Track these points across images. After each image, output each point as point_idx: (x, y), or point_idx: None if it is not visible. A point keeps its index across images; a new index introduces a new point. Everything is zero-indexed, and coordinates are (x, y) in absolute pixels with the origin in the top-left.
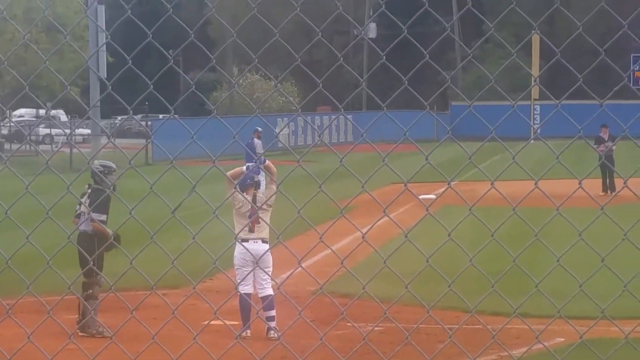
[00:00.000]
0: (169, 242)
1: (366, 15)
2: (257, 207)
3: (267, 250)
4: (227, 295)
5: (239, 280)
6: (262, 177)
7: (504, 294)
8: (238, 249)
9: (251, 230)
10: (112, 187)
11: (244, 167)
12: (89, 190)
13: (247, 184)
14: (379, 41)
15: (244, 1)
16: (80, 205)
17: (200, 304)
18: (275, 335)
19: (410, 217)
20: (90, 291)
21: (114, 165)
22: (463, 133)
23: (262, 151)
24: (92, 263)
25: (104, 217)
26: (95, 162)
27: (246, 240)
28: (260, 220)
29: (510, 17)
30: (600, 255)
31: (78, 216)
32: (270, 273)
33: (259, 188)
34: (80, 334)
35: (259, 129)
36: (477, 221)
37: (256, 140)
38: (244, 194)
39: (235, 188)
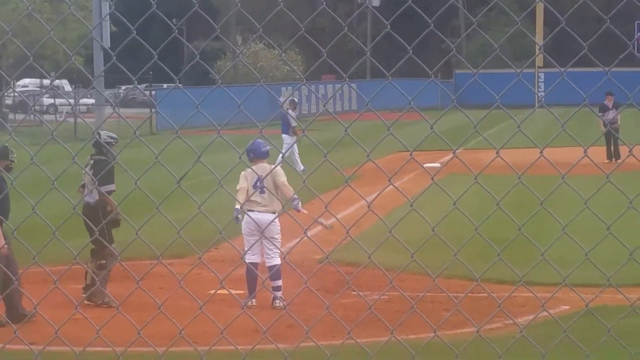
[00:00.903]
0: (173, 212)
1: None
2: (262, 177)
3: (272, 220)
4: (232, 265)
5: (246, 250)
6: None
7: (509, 263)
8: (246, 217)
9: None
10: (114, 157)
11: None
12: (92, 162)
13: (262, 151)
14: (383, 9)
15: None
16: (85, 175)
17: (205, 273)
18: (281, 304)
19: (415, 186)
20: (104, 261)
21: (115, 136)
22: (467, 101)
23: (295, 124)
24: (100, 234)
25: (113, 187)
26: (102, 132)
27: (252, 210)
28: (266, 190)
29: None
30: (606, 223)
31: (83, 186)
32: (278, 243)
33: (267, 158)
34: (86, 302)
35: (295, 100)
36: (481, 189)
37: (290, 112)
38: (254, 163)
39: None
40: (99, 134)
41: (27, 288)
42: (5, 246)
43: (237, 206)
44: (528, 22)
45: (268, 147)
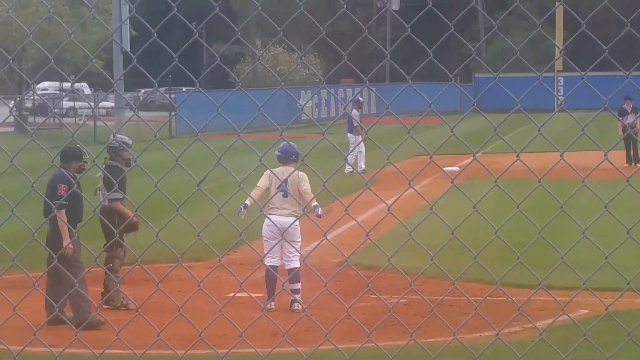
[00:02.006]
0: (192, 215)
1: None
2: (282, 180)
3: (292, 223)
4: (250, 268)
5: (266, 252)
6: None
7: (528, 266)
8: (266, 220)
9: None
10: (126, 163)
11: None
12: (104, 166)
13: (293, 159)
14: (402, 12)
15: None
16: (99, 179)
17: (224, 276)
18: (300, 307)
19: (434, 189)
20: (111, 265)
21: (130, 141)
22: (485, 105)
23: (356, 124)
24: (113, 236)
25: (119, 195)
26: (111, 136)
27: (273, 214)
28: (289, 194)
29: None
30: (626, 227)
31: (99, 189)
32: (298, 246)
33: (296, 161)
34: (104, 306)
35: (361, 99)
36: (499, 193)
37: (354, 111)
38: (283, 165)
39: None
40: (114, 137)
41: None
42: (70, 247)
43: (247, 201)
44: (547, 26)
45: (296, 151)
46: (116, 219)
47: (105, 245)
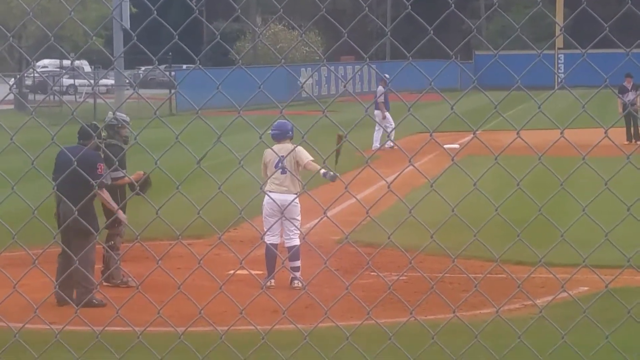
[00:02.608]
0: (192, 192)
1: None
2: (283, 156)
3: (292, 201)
4: (250, 245)
5: (266, 230)
6: None
7: (528, 243)
8: (266, 198)
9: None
10: (124, 140)
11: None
12: (104, 145)
13: (289, 136)
14: None
15: None
16: None
17: (224, 253)
18: (300, 284)
19: (433, 167)
20: (112, 242)
21: (127, 118)
22: (486, 82)
23: (382, 100)
24: (114, 214)
25: (120, 174)
26: (110, 113)
27: (272, 191)
28: (287, 171)
29: None
30: (626, 204)
31: None
32: (298, 223)
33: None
34: (104, 284)
35: (387, 75)
36: (499, 170)
37: (379, 88)
38: (278, 143)
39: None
40: (114, 115)
41: (47, 268)
42: (125, 221)
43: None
44: (548, 3)
45: (292, 127)
46: (118, 196)
47: (106, 222)
